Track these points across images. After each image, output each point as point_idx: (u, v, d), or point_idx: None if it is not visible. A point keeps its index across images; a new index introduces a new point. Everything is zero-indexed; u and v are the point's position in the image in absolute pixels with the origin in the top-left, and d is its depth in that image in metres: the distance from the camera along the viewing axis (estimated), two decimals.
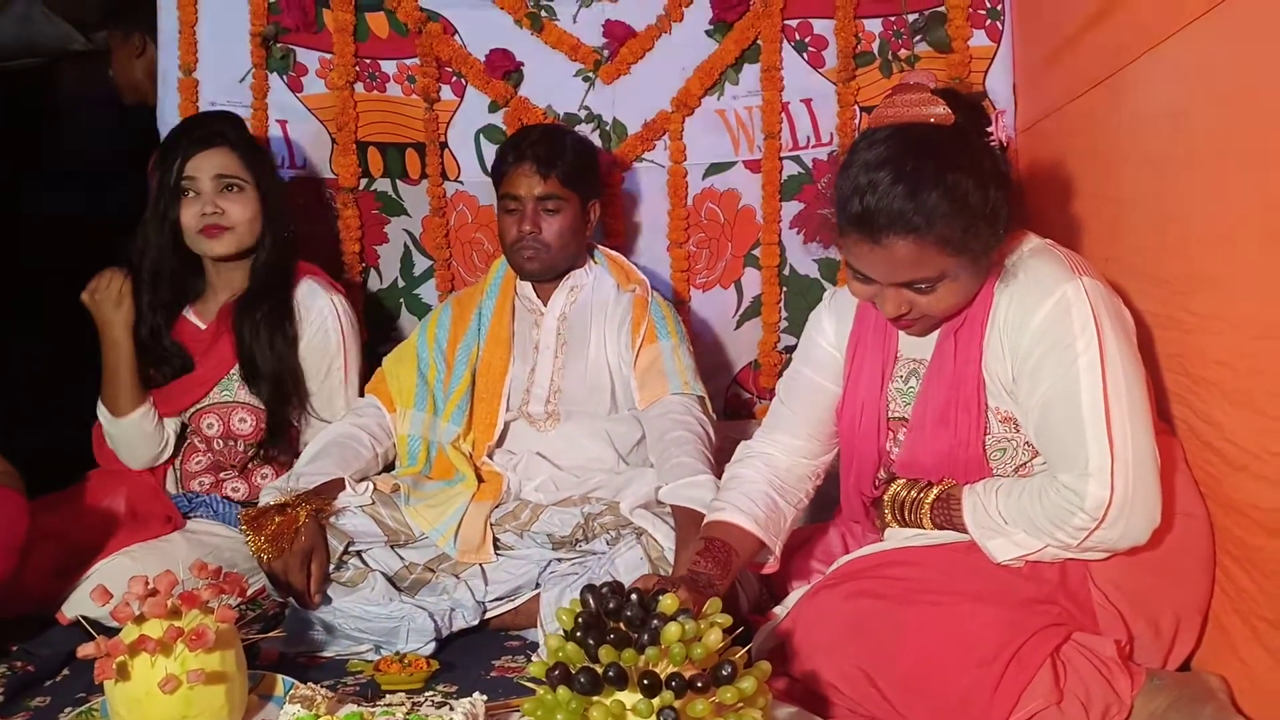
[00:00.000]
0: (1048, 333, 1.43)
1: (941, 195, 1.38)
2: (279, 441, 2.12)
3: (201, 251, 2.09)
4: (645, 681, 1.13)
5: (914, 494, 1.56)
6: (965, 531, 1.49)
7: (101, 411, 2.10)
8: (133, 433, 2.08)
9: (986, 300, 1.50)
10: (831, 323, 1.70)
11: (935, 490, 1.54)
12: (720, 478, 1.80)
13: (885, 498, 1.60)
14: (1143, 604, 1.45)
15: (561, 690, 1.15)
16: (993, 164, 1.44)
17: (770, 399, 2.40)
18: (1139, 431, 1.39)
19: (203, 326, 2.13)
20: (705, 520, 1.67)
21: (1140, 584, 1.45)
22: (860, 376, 1.64)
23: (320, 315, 2.12)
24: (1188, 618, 1.48)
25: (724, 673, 1.15)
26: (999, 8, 2.28)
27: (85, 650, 1.39)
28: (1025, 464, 1.52)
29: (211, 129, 2.09)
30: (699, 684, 1.14)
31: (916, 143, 1.41)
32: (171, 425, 2.12)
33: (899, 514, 1.58)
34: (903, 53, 2.32)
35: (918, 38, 2.32)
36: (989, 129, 1.45)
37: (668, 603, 1.21)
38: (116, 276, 2.07)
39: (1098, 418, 1.38)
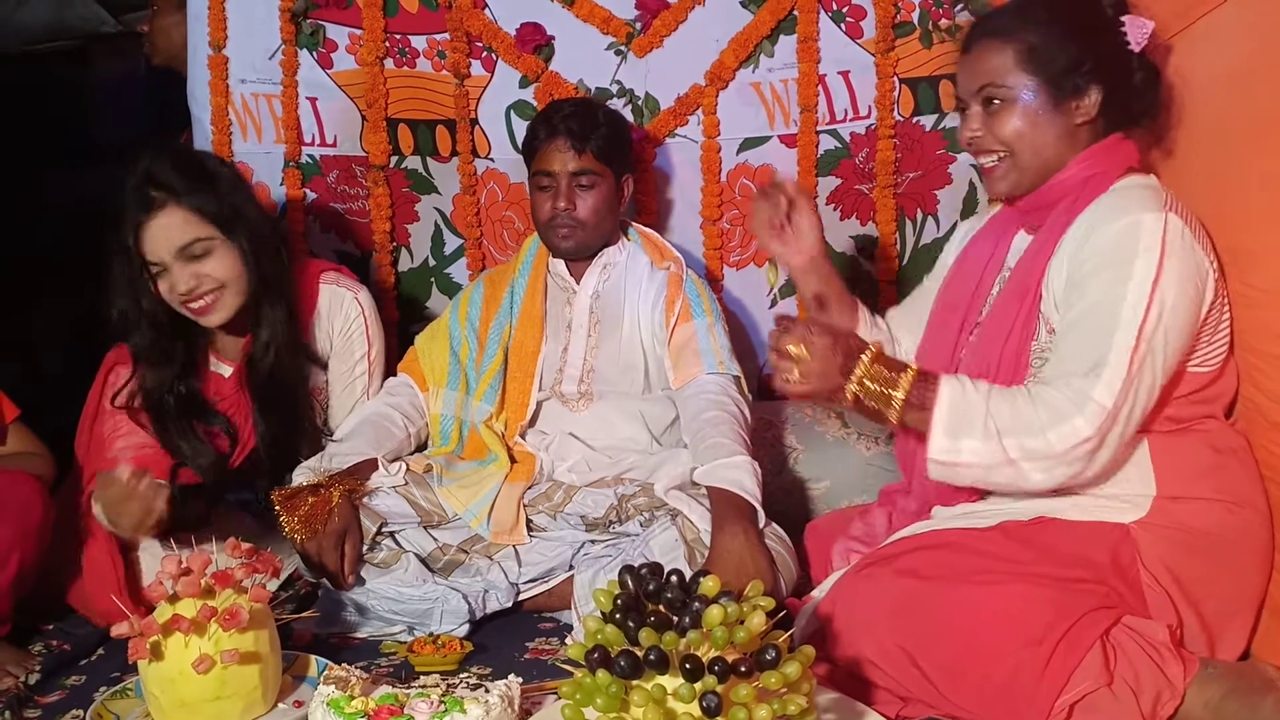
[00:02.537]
0: (1108, 250, 1.42)
1: (1041, 13, 1.52)
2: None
3: (198, 323, 1.87)
4: (688, 665, 1.10)
5: (889, 372, 1.44)
6: (927, 410, 1.40)
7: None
8: None
9: (1073, 218, 1.50)
10: (964, 230, 1.83)
11: (913, 367, 1.44)
12: (756, 459, 1.79)
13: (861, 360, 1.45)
14: (1188, 589, 1.42)
15: (601, 673, 1.13)
16: (1101, 42, 1.52)
17: None
18: (1155, 374, 1.38)
19: (226, 373, 1.94)
20: None
21: (1188, 569, 1.41)
22: (957, 274, 1.72)
23: (346, 321, 2.03)
24: (1236, 611, 1.44)
25: (768, 657, 1.12)
26: None
27: (119, 630, 1.39)
28: None
29: (149, 184, 1.78)
30: (742, 668, 1.11)
31: None
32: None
33: (869, 381, 1.44)
34: (944, 22, 2.25)
35: (959, 6, 2.25)
36: (1124, 19, 1.53)
37: (709, 585, 1.19)
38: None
39: (1130, 334, 1.37)
